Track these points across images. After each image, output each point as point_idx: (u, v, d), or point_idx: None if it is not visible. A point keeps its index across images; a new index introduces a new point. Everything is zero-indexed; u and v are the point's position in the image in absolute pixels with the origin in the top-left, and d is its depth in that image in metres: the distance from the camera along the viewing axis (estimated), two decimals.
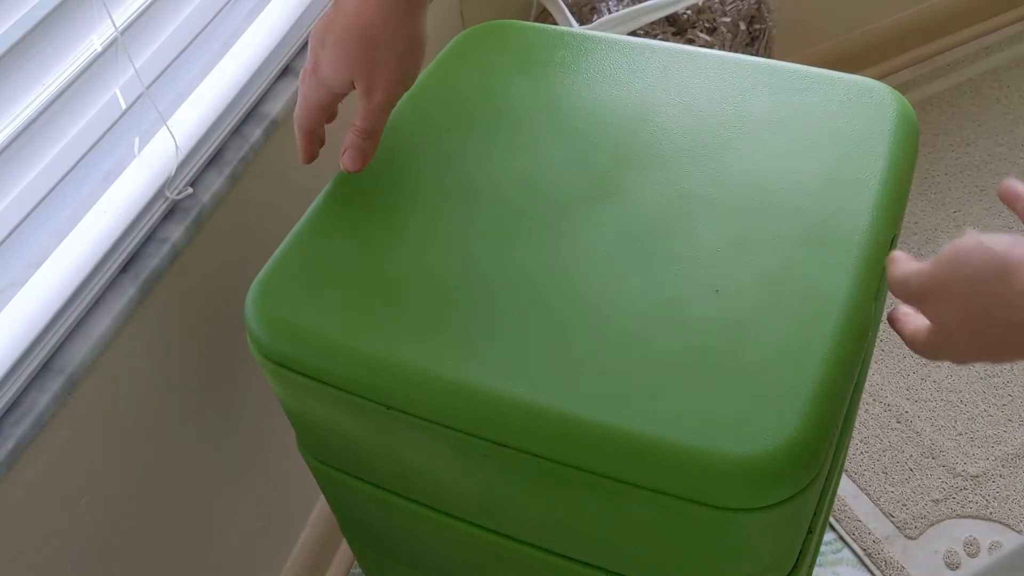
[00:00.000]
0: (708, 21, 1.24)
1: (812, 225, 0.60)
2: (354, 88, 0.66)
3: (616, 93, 0.72)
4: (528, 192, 0.65)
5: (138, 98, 0.73)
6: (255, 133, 0.83)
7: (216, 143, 0.80)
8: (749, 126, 0.68)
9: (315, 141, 0.70)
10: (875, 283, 0.58)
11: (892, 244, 0.62)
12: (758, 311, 0.56)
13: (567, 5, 1.24)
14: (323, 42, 0.64)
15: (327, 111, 0.68)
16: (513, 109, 0.72)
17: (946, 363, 1.36)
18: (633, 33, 1.21)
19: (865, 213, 0.60)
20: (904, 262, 0.50)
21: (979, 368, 1.37)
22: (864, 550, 1.19)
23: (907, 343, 0.54)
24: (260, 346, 0.61)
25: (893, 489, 1.24)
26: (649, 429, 0.51)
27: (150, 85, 0.74)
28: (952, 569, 1.17)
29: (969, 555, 1.18)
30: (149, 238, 0.74)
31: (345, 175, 0.70)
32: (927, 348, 0.52)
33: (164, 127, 0.75)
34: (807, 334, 0.54)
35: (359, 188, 0.67)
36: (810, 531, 0.63)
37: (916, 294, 0.49)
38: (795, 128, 0.67)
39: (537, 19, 1.34)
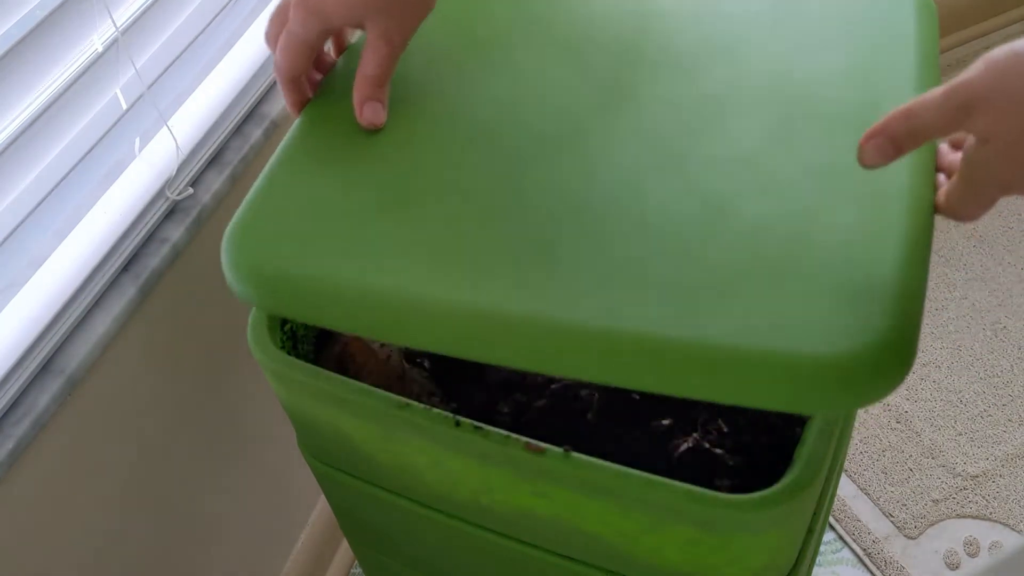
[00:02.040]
0: None
1: (854, 116, 0.55)
2: (356, 29, 0.59)
3: None
4: (533, 111, 0.59)
5: (139, 98, 0.73)
6: (255, 133, 0.83)
7: (216, 143, 0.80)
8: (764, 19, 0.63)
9: (303, 90, 0.62)
10: (933, 167, 0.53)
11: None
12: (816, 205, 0.50)
13: None
14: None
15: (314, 52, 0.59)
16: (506, 23, 0.65)
17: (946, 363, 1.37)
18: None
19: (907, 99, 0.56)
20: (928, 93, 0.46)
21: (979, 368, 1.37)
22: (864, 550, 1.19)
23: (940, 207, 0.50)
24: (247, 294, 0.55)
25: (893, 489, 1.24)
26: (722, 338, 0.45)
27: (151, 85, 0.74)
28: (952, 569, 1.17)
29: (969, 555, 1.18)
30: (149, 238, 0.74)
31: (317, 108, 0.62)
32: (963, 191, 0.48)
33: (165, 127, 0.75)
34: (875, 225, 0.49)
35: (337, 120, 0.59)
36: (810, 531, 0.63)
37: (963, 106, 0.45)
38: (814, 18, 0.62)
39: None
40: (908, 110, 0.47)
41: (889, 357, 0.45)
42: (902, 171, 0.51)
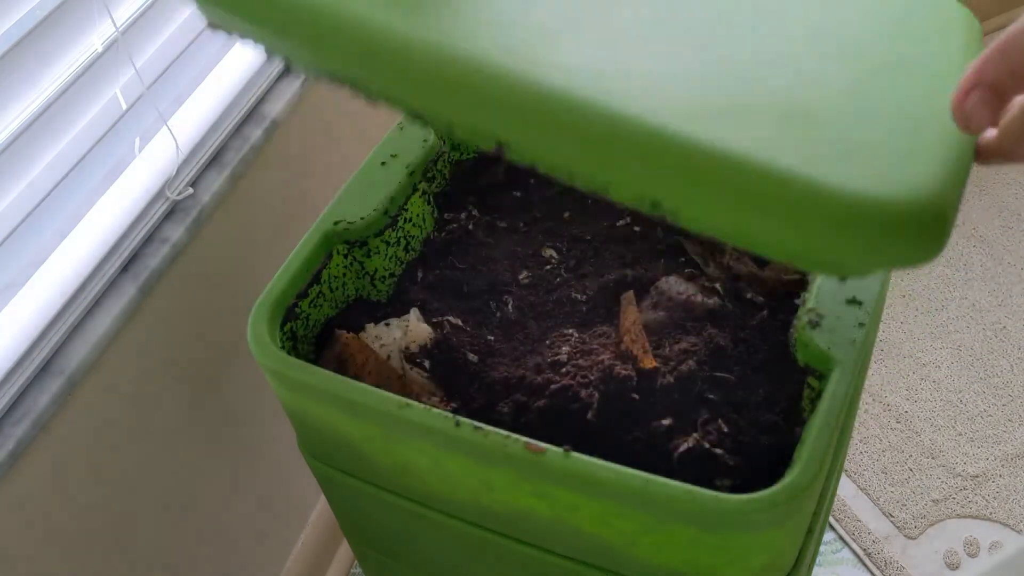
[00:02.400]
0: None
1: (896, 56, 0.52)
2: None
3: None
4: None
5: (139, 98, 0.73)
6: (255, 133, 0.83)
7: (216, 143, 0.80)
8: None
9: None
10: None
11: None
12: (854, 91, 0.47)
13: None
14: None
15: None
16: None
17: (946, 363, 1.37)
18: None
19: (952, 41, 0.52)
20: (1014, 24, 0.39)
21: (979, 368, 1.37)
22: (864, 550, 1.19)
23: (991, 148, 0.44)
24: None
25: (893, 489, 1.24)
26: (754, 153, 0.41)
27: (151, 85, 0.74)
28: (952, 569, 1.17)
29: (969, 555, 1.18)
30: (149, 238, 0.74)
31: None
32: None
33: (165, 127, 0.75)
34: (918, 110, 0.46)
35: None
36: (810, 531, 0.63)
37: None
38: None
39: None
40: (1002, 46, 0.38)
41: (927, 213, 0.41)
42: (951, 74, 0.46)
